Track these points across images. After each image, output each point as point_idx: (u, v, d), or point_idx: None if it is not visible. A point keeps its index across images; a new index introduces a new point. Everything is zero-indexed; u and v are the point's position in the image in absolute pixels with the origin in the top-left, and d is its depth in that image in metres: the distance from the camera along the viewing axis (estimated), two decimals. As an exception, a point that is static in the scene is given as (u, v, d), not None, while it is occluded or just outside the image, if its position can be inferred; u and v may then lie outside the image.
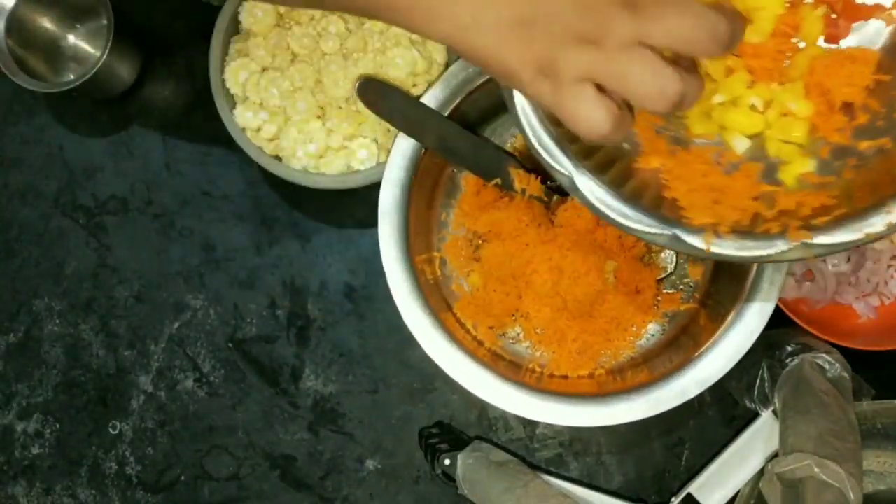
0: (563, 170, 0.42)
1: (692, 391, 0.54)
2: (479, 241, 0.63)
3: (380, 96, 0.58)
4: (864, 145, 0.42)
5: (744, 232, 0.41)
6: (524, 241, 0.60)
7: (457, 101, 0.58)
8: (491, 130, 0.64)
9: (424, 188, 0.61)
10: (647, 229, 0.42)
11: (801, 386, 0.54)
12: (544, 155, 0.43)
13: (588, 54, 0.32)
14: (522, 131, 0.43)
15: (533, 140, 0.42)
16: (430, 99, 0.58)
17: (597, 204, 0.42)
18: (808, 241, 0.39)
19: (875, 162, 0.42)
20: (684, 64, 0.33)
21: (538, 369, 0.61)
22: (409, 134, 0.58)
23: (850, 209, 0.40)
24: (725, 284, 0.59)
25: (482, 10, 0.32)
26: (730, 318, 0.55)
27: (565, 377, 0.60)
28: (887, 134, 0.42)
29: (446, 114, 0.58)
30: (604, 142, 0.35)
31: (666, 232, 0.42)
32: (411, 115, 0.58)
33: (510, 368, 0.60)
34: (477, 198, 0.63)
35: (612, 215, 0.42)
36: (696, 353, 0.55)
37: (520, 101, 0.42)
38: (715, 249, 0.41)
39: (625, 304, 0.60)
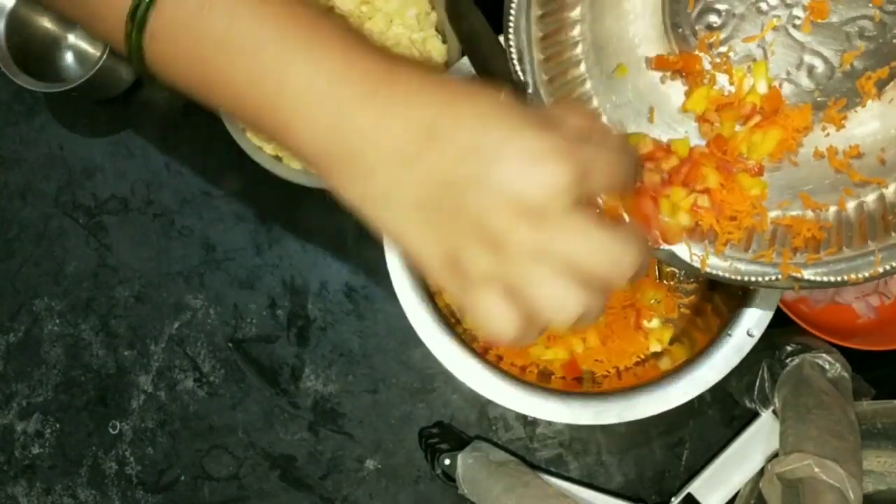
0: None
1: (692, 392, 0.54)
2: None
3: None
4: (857, 177, 0.43)
5: (739, 257, 0.43)
6: None
7: None
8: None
9: None
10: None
11: (801, 386, 0.54)
12: None
13: (490, 256, 0.30)
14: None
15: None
16: None
17: None
18: (798, 275, 0.41)
19: (871, 203, 0.42)
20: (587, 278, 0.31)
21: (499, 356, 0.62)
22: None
23: (839, 249, 0.41)
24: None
25: (394, 184, 0.31)
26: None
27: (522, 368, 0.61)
28: (888, 176, 0.42)
29: None
30: (509, 346, 0.34)
31: (664, 247, 0.43)
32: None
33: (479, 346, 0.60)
34: None
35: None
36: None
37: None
38: (709, 270, 0.42)
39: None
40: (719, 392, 0.54)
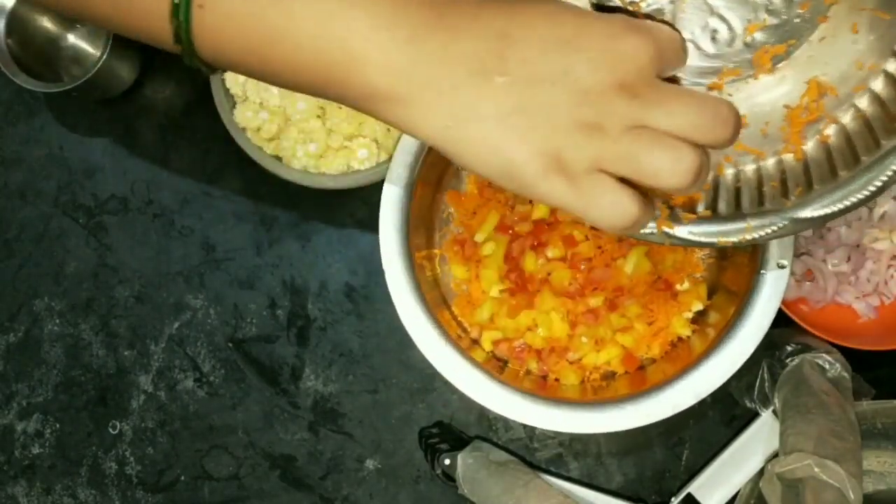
0: None
1: (693, 399, 0.54)
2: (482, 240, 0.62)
3: None
4: (739, 146, 0.43)
5: None
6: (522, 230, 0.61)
7: None
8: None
9: (429, 184, 0.61)
10: None
11: (801, 386, 0.54)
12: None
13: (593, 141, 0.31)
14: None
15: None
16: None
17: None
18: (669, 230, 0.42)
19: (749, 172, 0.43)
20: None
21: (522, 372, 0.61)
22: None
23: (713, 213, 0.42)
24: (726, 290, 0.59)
25: (479, 100, 0.31)
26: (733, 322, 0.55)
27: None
28: (768, 148, 0.43)
29: None
30: (627, 234, 0.34)
31: None
32: None
33: (497, 368, 0.60)
34: (478, 196, 0.63)
35: None
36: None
37: None
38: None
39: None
40: (719, 392, 0.54)
